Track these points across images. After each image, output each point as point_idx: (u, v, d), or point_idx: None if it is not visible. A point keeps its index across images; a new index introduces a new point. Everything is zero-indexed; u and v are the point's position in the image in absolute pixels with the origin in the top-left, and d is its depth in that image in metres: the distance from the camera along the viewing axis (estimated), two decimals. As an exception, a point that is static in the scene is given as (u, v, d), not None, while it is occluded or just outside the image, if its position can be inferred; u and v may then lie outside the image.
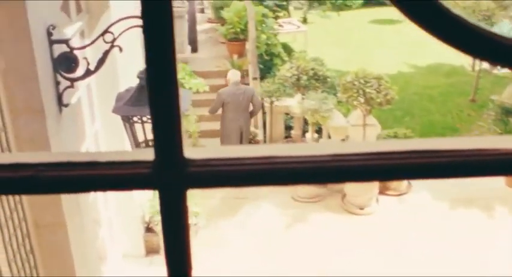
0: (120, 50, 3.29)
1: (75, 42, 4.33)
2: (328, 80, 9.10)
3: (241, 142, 9.58)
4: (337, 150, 0.61)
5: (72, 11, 4.28)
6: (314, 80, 8.78)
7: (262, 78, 10.89)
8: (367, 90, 7.80)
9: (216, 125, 9.86)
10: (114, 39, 3.25)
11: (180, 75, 9.51)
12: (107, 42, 3.25)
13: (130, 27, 3.43)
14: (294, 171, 0.61)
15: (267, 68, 11.83)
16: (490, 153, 0.61)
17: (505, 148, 0.61)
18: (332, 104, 8.54)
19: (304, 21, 17.55)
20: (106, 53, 3.22)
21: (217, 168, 0.61)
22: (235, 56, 12.23)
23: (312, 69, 8.89)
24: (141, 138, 4.13)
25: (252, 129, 10.05)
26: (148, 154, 0.60)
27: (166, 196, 0.61)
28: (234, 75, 9.33)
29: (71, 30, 4.15)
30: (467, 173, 0.62)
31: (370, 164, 0.61)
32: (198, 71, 11.01)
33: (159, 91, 0.57)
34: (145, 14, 0.51)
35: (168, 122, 0.59)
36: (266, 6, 13.09)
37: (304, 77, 8.75)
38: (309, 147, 0.62)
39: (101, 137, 5.89)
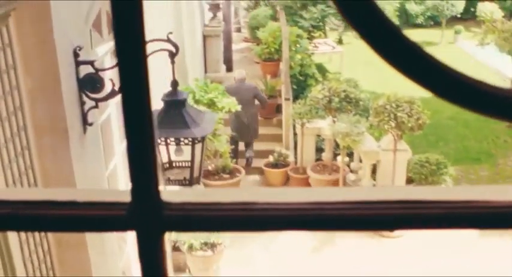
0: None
1: (107, 62, 4.39)
2: (361, 103, 8.97)
3: (250, 136, 9.86)
4: (319, 197, 0.59)
5: (104, 30, 4.34)
6: (346, 102, 8.67)
7: (295, 98, 10.85)
8: (399, 114, 7.72)
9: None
10: (139, 62, 3.24)
11: (212, 94, 9.57)
12: (131, 64, 3.24)
13: (156, 51, 3.47)
14: (273, 219, 0.60)
15: (301, 88, 11.80)
16: (479, 205, 0.58)
17: (495, 200, 0.58)
18: (364, 128, 8.40)
19: (340, 42, 17.52)
20: (130, 75, 3.22)
21: (193, 213, 0.60)
22: (268, 76, 12.24)
23: (344, 91, 8.76)
24: (165, 158, 4.21)
25: (283, 151, 10.02)
26: (125, 196, 0.60)
27: (142, 239, 0.61)
28: (239, 73, 10.16)
29: (102, 50, 4.20)
30: (452, 225, 0.60)
31: (351, 214, 0.59)
32: (232, 90, 11.07)
33: (134, 134, 0.57)
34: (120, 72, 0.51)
35: (144, 164, 0.58)
36: (301, 27, 13.10)
37: (336, 99, 8.64)
38: (290, 193, 0.60)
39: (130, 155, 5.94)
